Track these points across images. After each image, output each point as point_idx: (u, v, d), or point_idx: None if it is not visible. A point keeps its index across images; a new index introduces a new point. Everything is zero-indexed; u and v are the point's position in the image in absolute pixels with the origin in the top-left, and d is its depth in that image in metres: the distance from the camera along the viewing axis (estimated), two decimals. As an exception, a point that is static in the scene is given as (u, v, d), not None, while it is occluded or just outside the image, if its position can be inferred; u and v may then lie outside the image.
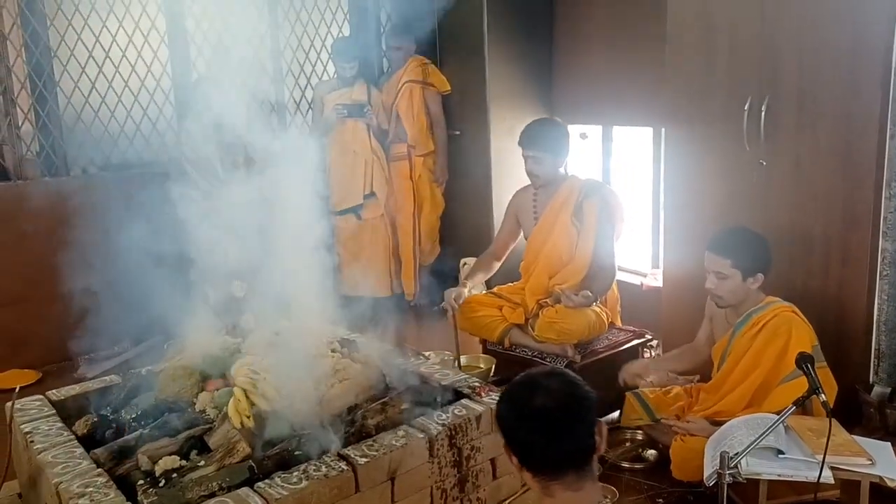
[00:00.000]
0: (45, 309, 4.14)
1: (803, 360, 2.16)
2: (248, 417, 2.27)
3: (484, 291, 4.24)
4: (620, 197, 3.62)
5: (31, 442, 2.26)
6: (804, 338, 2.53)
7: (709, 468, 2.23)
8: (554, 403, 1.33)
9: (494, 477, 2.43)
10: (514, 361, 3.31)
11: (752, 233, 2.69)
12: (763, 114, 2.94)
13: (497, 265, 3.63)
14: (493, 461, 2.42)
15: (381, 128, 4.80)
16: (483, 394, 2.50)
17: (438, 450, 2.26)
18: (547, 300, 3.29)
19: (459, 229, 5.06)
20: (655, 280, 4.17)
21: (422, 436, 2.24)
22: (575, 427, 1.33)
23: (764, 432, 2.09)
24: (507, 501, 2.45)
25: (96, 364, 4.12)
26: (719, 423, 2.52)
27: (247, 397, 2.29)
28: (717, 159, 3.14)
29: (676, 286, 3.38)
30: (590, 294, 3.11)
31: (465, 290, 3.45)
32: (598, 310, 3.26)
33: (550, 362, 3.22)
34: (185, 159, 4.27)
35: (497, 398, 1.51)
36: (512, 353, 3.34)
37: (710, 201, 3.18)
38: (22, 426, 2.37)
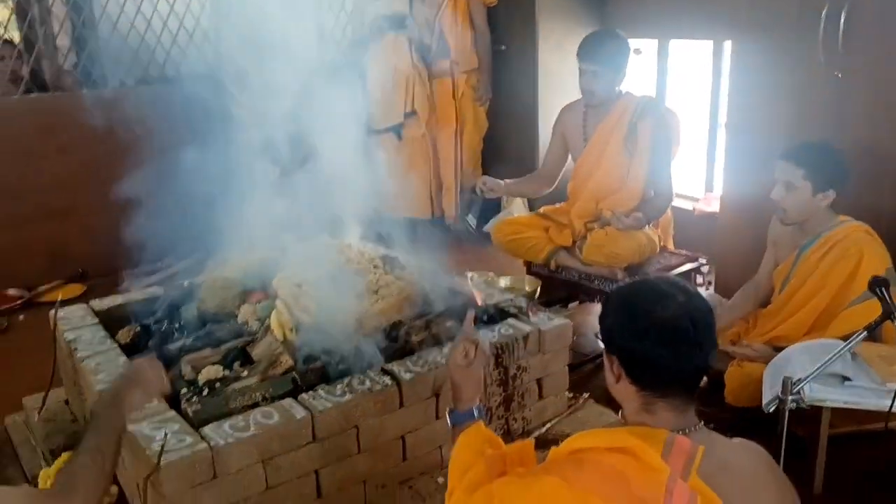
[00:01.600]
0: (88, 222, 4.13)
1: (877, 284, 2.00)
2: (291, 330, 2.22)
3: (528, 212, 4.12)
4: (677, 116, 3.42)
5: (75, 350, 2.25)
6: (876, 260, 2.37)
7: (768, 394, 2.12)
8: (683, 315, 1.20)
9: (540, 397, 2.37)
10: (559, 284, 3.21)
11: (831, 147, 2.49)
12: (842, 22, 2.69)
13: (548, 190, 3.48)
14: (539, 381, 2.36)
15: (423, 42, 4.60)
16: (531, 313, 2.42)
17: (484, 368, 2.19)
18: (594, 224, 3.15)
19: (503, 152, 4.90)
20: (708, 205, 3.99)
21: (468, 353, 2.16)
22: (703, 344, 1.21)
23: (831, 357, 1.96)
24: (553, 422, 2.39)
25: (140, 279, 4.13)
26: (779, 349, 2.41)
27: (289, 310, 2.23)
28: (788, 73, 2.90)
29: (735, 211, 3.20)
30: (641, 216, 2.97)
31: (502, 183, 3.33)
32: (649, 232, 3.11)
33: (598, 285, 3.11)
34: (222, 71, 4.16)
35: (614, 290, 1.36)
36: (557, 276, 3.24)
37: (779, 119, 2.96)
38: (66, 334, 2.36)
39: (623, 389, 1.27)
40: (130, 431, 1.77)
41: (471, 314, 1.71)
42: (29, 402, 2.65)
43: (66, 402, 2.61)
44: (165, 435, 1.72)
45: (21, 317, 3.78)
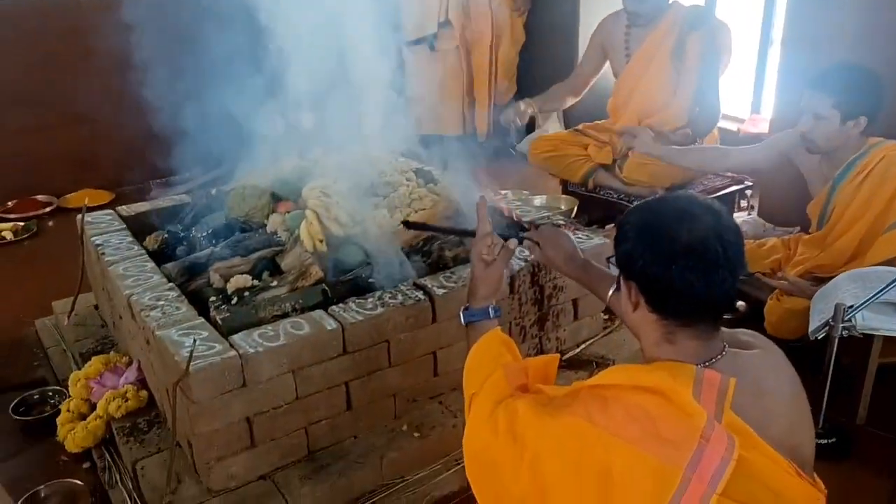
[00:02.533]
0: (116, 129, 4.06)
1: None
2: (321, 241, 2.15)
3: (563, 129, 3.97)
4: (729, 29, 3.21)
5: (103, 254, 2.22)
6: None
7: (816, 321, 2.03)
8: (714, 238, 1.08)
9: (576, 318, 2.30)
10: (597, 204, 3.10)
11: (864, 70, 2.27)
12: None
13: (572, 101, 3.32)
14: (575, 302, 2.29)
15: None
16: (569, 231, 2.32)
17: (519, 286, 2.12)
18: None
19: (539, 66, 4.69)
20: (755, 126, 3.80)
21: (504, 270, 2.08)
22: (735, 268, 1.10)
23: (888, 285, 1.87)
24: (588, 343, 2.33)
25: (168, 188, 4.09)
26: (819, 280, 2.30)
27: (319, 221, 2.16)
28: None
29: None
30: (689, 133, 2.82)
31: (524, 107, 3.16)
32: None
33: (637, 206, 2.99)
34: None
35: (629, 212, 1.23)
36: (595, 196, 3.13)
37: (843, 33, 2.75)
38: (93, 238, 2.32)
39: (641, 319, 1.16)
40: (159, 337, 1.75)
41: (481, 202, 1.60)
42: (58, 305, 2.65)
43: (96, 306, 2.60)
44: (194, 341, 1.69)
45: (50, 222, 3.77)
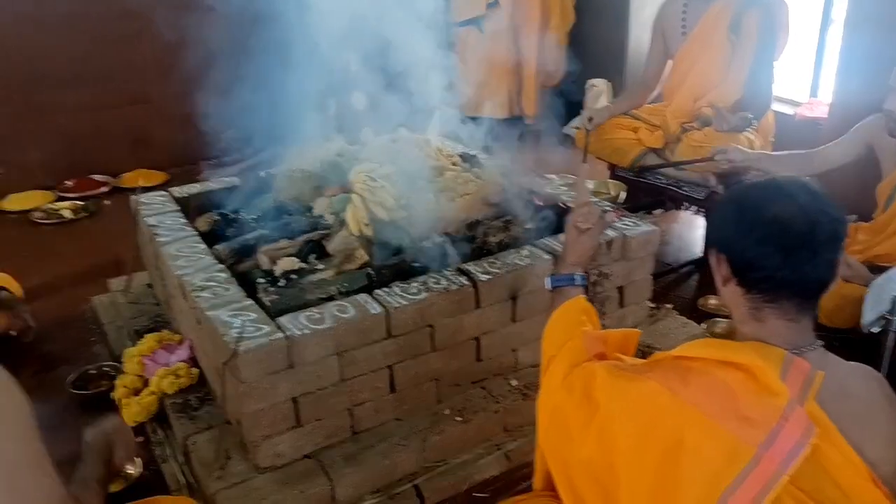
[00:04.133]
0: (170, 111, 4.14)
1: None
2: (366, 225, 2.17)
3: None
4: (787, 7, 3.10)
5: (156, 235, 2.27)
6: None
7: (870, 313, 1.97)
8: (802, 216, 1.07)
9: (621, 305, 2.28)
10: (646, 189, 3.04)
11: None
12: None
13: (650, 96, 3.25)
14: (620, 289, 2.26)
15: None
16: (615, 218, 2.29)
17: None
18: (692, 123, 2.94)
19: (589, 46, 4.61)
20: (812, 111, 3.68)
21: (547, 257, 2.08)
22: (820, 251, 1.08)
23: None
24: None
25: (218, 169, 4.16)
26: (879, 269, 2.23)
27: (364, 205, 2.18)
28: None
29: (847, 120, 2.89)
30: (749, 115, 2.74)
31: (607, 114, 3.13)
32: (751, 136, 2.88)
33: (687, 192, 2.93)
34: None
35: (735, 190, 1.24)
36: (645, 180, 3.07)
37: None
38: (147, 219, 2.38)
39: (730, 293, 1.15)
40: (209, 318, 1.79)
41: (584, 171, 1.61)
42: (114, 283, 2.74)
43: (149, 285, 2.68)
44: (243, 323, 1.72)
45: (107, 202, 3.88)
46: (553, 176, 3.34)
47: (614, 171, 3.26)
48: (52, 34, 3.83)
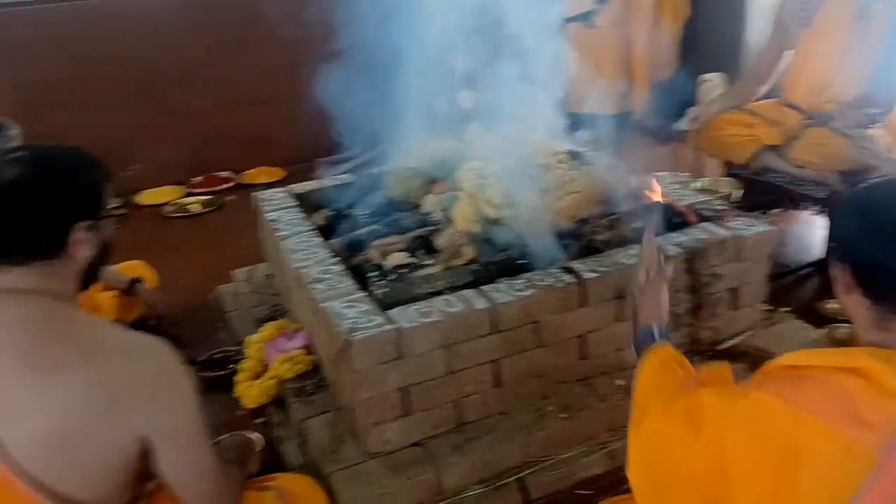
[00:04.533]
0: (290, 111, 4.33)
1: None
2: (474, 222, 2.22)
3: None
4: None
5: (276, 230, 2.41)
6: None
7: None
8: None
9: (734, 307, 2.22)
10: (762, 188, 2.93)
11: None
12: None
13: (762, 90, 3.13)
14: (733, 291, 2.20)
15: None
16: (729, 218, 2.23)
17: (673, 273, 2.07)
18: (811, 120, 2.80)
19: (704, 41, 4.47)
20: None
21: (656, 256, 2.05)
22: None
23: None
24: (746, 334, 2.24)
25: (332, 166, 4.34)
26: None
27: (472, 202, 2.22)
28: None
29: None
30: (874, 111, 2.59)
31: (715, 110, 3.02)
32: (878, 133, 2.72)
33: (807, 191, 2.80)
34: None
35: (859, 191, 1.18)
36: (761, 179, 2.95)
37: None
38: (268, 214, 2.53)
39: (854, 302, 1.10)
40: (324, 308, 1.89)
41: (651, 225, 1.58)
42: (238, 274, 2.92)
43: (269, 276, 2.84)
44: (356, 314, 1.81)
45: (231, 197, 4.13)
46: (663, 173, 3.27)
47: (728, 169, 3.15)
48: (184, 40, 4.12)
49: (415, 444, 1.91)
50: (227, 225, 3.75)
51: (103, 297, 2.58)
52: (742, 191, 3.08)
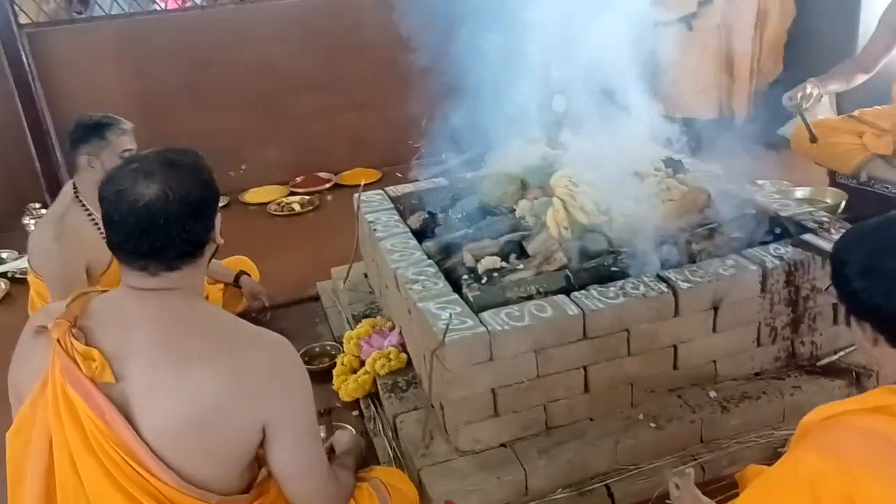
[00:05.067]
0: (385, 114, 4.49)
1: None
2: (566, 228, 2.24)
3: (834, 115, 3.64)
4: None
5: (374, 230, 2.51)
6: None
7: None
8: None
9: (835, 323, 2.15)
10: (870, 198, 2.81)
11: None
12: None
13: (862, 78, 2.99)
14: (835, 305, 2.13)
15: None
16: (832, 230, 2.17)
17: (772, 285, 2.03)
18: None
19: (811, 43, 4.29)
20: None
21: (755, 268, 2.02)
22: None
23: None
24: (846, 350, 2.17)
25: (426, 169, 4.44)
26: None
27: (565, 208, 2.25)
28: None
29: None
30: None
31: (811, 88, 2.89)
32: None
33: (921, 203, 2.68)
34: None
35: (842, 245, 1.17)
36: (869, 189, 2.84)
37: None
38: (367, 215, 2.63)
39: (883, 354, 1.08)
40: (419, 309, 1.96)
41: (689, 477, 1.57)
42: (336, 272, 3.05)
43: (366, 275, 2.95)
44: (450, 315, 1.87)
45: (329, 197, 4.30)
46: (764, 182, 3.18)
47: (834, 179, 3.04)
48: (291, 48, 4.32)
49: (503, 445, 1.95)
50: (326, 223, 3.91)
51: (211, 290, 2.76)
52: (847, 202, 2.95)
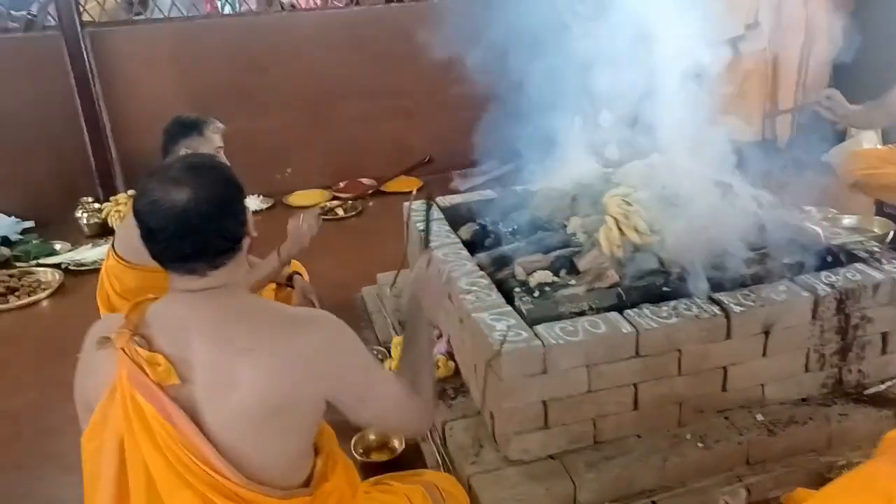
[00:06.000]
0: (429, 122, 4.57)
1: None
2: (618, 247, 2.28)
3: (880, 144, 3.64)
4: None
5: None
6: None
7: None
8: None
9: (884, 352, 2.16)
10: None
11: None
12: None
13: (885, 123, 2.99)
14: (884, 335, 2.15)
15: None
16: (884, 260, 2.18)
17: (823, 312, 2.06)
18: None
19: (860, 67, 4.27)
20: None
21: (806, 294, 2.04)
22: None
23: None
24: (894, 381, 2.18)
25: (468, 179, 4.50)
26: None
27: (618, 227, 2.28)
28: None
29: None
30: None
31: (849, 107, 2.82)
32: None
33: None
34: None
35: None
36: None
37: None
38: (418, 224, 2.69)
39: None
40: (474, 319, 2.01)
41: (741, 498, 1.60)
42: (381, 277, 3.11)
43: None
44: (508, 327, 1.92)
45: (371, 203, 4.37)
46: (811, 208, 3.20)
47: (882, 208, 3.04)
48: (340, 55, 4.41)
49: (550, 457, 1.99)
50: (369, 229, 3.98)
51: (265, 289, 2.82)
52: (895, 231, 2.96)
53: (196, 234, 1.30)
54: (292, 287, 2.86)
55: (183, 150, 2.43)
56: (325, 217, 4.14)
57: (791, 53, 4.25)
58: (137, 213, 1.32)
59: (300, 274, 2.93)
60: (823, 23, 4.20)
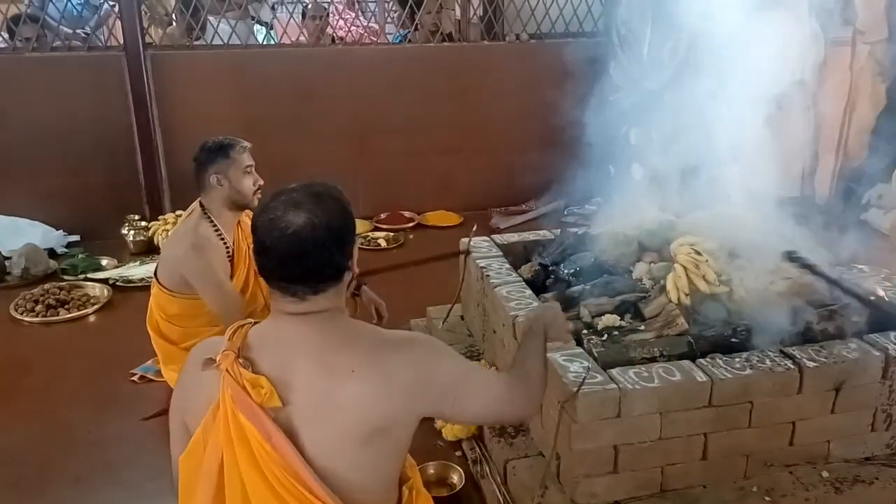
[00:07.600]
0: (471, 160, 4.63)
1: None
2: (686, 295, 2.30)
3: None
4: None
5: (487, 276, 2.58)
6: None
7: None
8: None
9: (944, 418, 2.16)
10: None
11: None
12: None
13: None
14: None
15: (824, 5, 4.22)
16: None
17: (893, 372, 2.06)
18: None
19: (900, 132, 4.34)
20: None
21: (878, 354, 2.06)
22: None
23: None
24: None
25: (506, 218, 4.55)
26: None
27: (687, 276, 2.31)
28: None
29: None
30: None
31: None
32: None
33: None
34: (615, 35, 4.28)
35: None
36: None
37: None
38: (478, 261, 2.71)
39: None
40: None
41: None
42: (432, 311, 3.12)
43: (461, 317, 3.01)
44: (587, 370, 1.93)
45: (411, 235, 4.40)
46: (863, 267, 3.21)
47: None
48: (390, 89, 4.49)
49: (617, 502, 1.98)
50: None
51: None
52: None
53: (305, 258, 1.33)
54: (359, 296, 2.87)
55: (213, 175, 2.50)
56: (367, 248, 4.18)
57: (834, 113, 4.32)
58: (255, 227, 1.36)
59: (366, 284, 2.95)
60: (867, 85, 4.28)
